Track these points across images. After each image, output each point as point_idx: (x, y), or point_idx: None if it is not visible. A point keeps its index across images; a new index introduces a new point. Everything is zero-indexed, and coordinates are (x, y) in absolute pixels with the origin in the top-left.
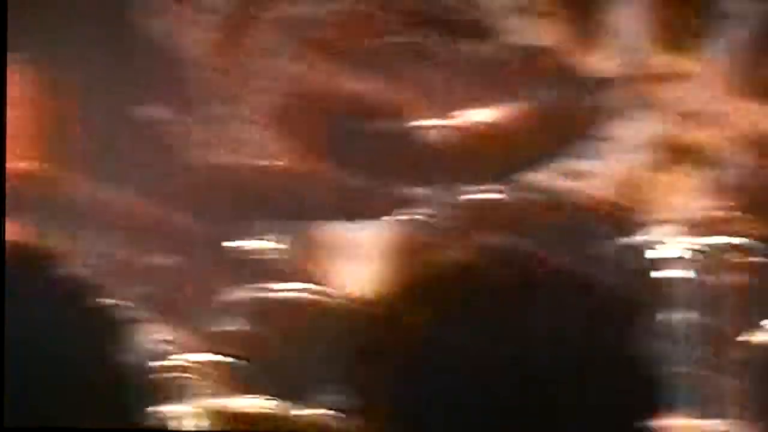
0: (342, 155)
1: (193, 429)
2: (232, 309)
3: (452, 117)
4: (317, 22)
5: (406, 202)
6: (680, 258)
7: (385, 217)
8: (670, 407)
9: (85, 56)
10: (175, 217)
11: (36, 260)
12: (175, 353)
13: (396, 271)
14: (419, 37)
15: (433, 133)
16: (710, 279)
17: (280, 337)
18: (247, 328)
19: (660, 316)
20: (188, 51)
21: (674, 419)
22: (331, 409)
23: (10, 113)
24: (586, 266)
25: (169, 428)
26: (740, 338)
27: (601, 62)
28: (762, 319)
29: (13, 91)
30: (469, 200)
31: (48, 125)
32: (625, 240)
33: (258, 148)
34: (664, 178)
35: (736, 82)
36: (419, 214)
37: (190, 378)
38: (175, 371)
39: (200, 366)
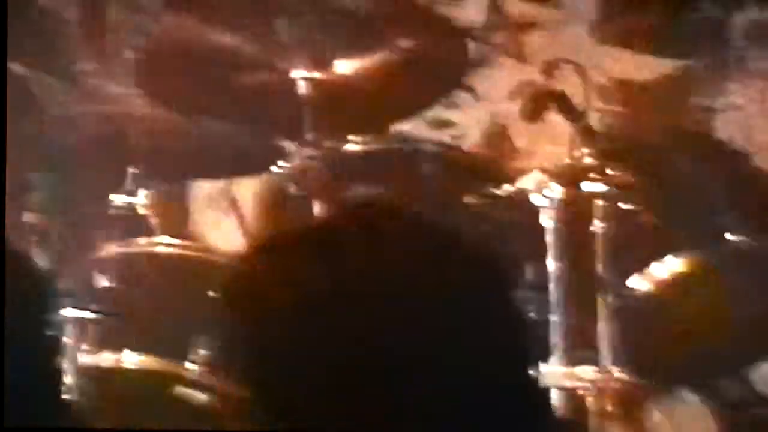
0: (211, 109)
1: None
2: (100, 265)
3: (320, 69)
4: None
5: (275, 156)
6: (549, 207)
7: (255, 171)
8: (544, 356)
9: None
10: (42, 174)
11: None
12: None
13: (261, 224)
14: None
15: (301, 85)
16: (579, 227)
17: (147, 292)
18: (115, 284)
19: (530, 266)
20: (52, 5)
21: (549, 367)
22: (196, 363)
23: None
24: (453, 217)
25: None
26: (611, 285)
27: (468, 12)
28: (631, 265)
29: None
30: (336, 151)
31: None
32: (493, 189)
33: (126, 104)
34: (531, 127)
35: (600, 29)
36: (286, 168)
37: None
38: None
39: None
